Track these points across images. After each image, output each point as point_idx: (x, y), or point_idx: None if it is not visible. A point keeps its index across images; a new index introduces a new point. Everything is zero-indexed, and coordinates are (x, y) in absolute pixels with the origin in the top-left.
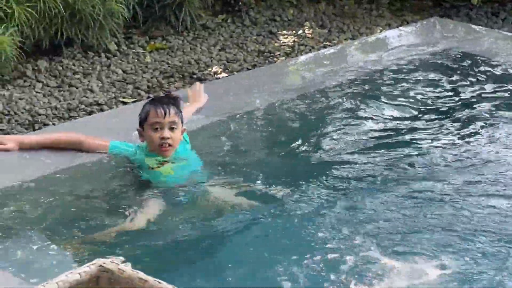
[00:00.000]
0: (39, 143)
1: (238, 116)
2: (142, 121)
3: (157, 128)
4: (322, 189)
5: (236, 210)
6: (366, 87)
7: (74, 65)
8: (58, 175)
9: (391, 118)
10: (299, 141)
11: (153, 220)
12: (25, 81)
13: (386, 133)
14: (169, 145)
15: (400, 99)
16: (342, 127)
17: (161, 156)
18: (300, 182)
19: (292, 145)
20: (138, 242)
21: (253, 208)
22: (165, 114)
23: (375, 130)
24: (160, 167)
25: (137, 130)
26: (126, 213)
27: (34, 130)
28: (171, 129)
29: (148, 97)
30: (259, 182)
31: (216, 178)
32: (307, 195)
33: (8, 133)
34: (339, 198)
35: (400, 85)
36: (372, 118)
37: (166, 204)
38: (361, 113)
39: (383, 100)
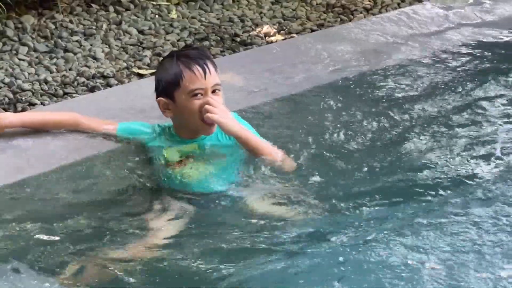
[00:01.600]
0: (24, 122)
1: (297, 97)
2: (170, 89)
3: (197, 95)
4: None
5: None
6: (488, 58)
7: (71, 22)
8: (38, 174)
9: None
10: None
11: (160, 244)
12: (4, 44)
13: None
14: None
15: None
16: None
17: (203, 133)
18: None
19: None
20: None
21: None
22: (205, 73)
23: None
24: (181, 166)
25: (160, 101)
26: (127, 236)
27: (16, 111)
28: (214, 92)
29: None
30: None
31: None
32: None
33: None
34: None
35: None
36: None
37: (185, 223)
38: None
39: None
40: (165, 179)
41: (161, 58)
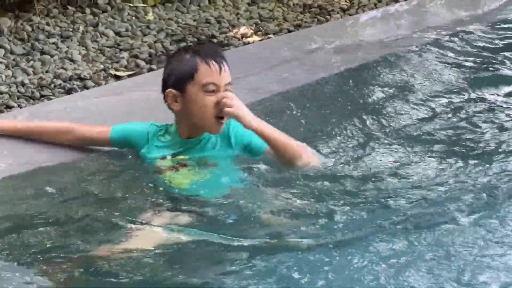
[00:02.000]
0: (15, 130)
1: (275, 97)
2: (182, 80)
3: (210, 90)
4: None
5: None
6: (455, 55)
7: (48, 24)
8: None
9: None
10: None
11: (148, 248)
12: None
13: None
14: None
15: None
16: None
17: (210, 131)
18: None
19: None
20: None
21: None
22: (220, 69)
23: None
24: (173, 170)
25: (168, 93)
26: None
27: None
28: (225, 91)
29: (179, 48)
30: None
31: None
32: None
33: None
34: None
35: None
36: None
37: (174, 227)
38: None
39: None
40: (156, 182)
41: (138, 60)
